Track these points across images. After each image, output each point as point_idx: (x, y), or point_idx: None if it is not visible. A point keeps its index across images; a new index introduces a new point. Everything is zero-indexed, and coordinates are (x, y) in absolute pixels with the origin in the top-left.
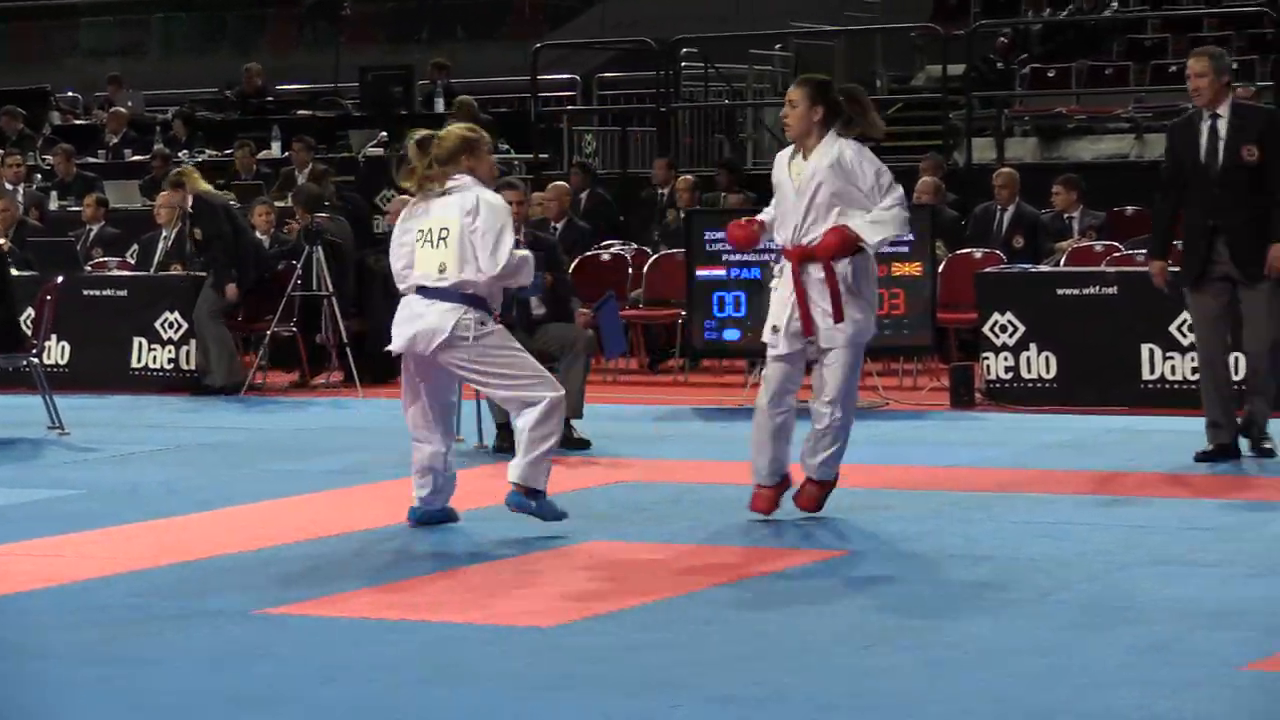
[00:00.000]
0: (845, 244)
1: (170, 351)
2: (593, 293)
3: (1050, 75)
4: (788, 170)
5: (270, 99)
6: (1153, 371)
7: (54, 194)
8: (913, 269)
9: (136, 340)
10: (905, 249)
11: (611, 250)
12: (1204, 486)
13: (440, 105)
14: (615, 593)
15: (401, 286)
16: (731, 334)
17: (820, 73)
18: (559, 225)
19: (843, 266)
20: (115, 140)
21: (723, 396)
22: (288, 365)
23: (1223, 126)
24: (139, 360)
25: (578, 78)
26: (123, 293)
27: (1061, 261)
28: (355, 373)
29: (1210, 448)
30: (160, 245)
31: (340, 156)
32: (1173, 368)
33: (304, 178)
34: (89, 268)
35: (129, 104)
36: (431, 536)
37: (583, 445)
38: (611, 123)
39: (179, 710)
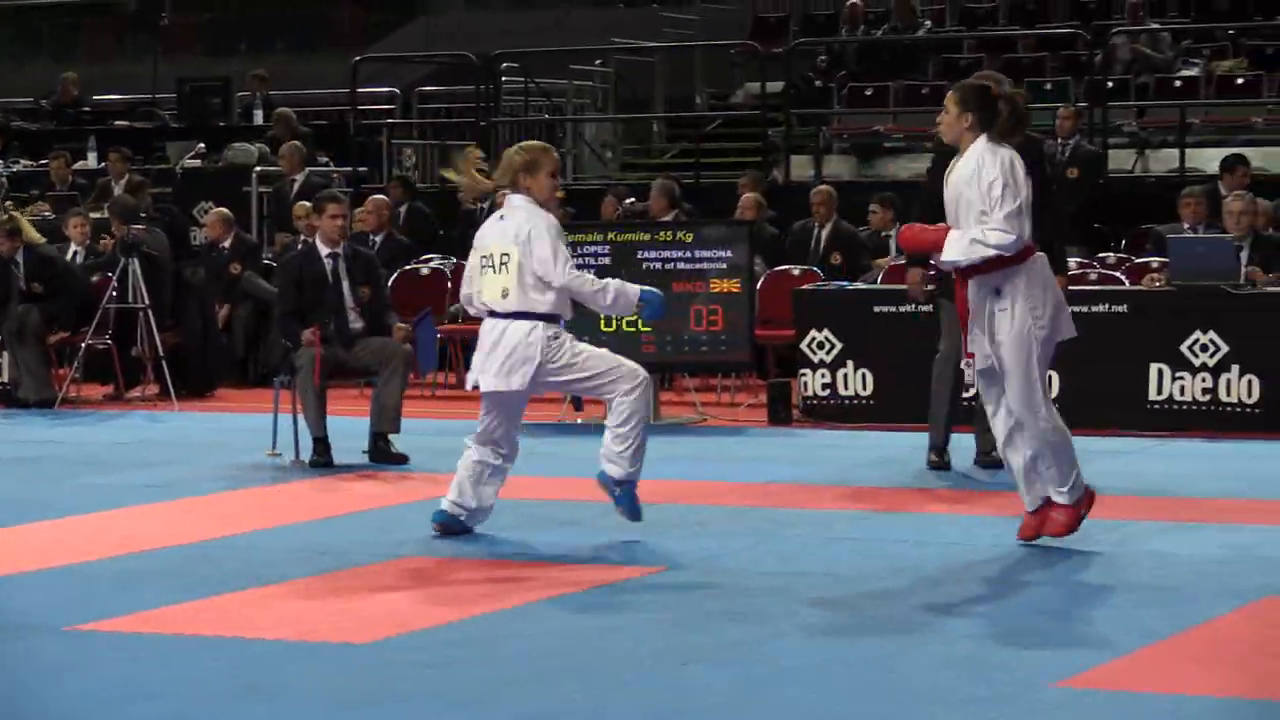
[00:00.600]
0: (928, 245)
1: None
2: (412, 307)
3: (868, 94)
4: (945, 180)
5: (87, 109)
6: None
7: None
8: (731, 286)
9: None
10: (724, 265)
11: (431, 265)
12: (1016, 504)
13: (259, 117)
14: (431, 608)
15: (470, 311)
16: None
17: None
18: (378, 239)
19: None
20: None
21: (542, 412)
22: (103, 378)
23: None
24: None
25: (398, 91)
26: None
27: (879, 279)
28: (171, 386)
29: (936, 459)
30: None
31: (158, 168)
32: None
33: (120, 189)
34: None
35: None
36: (245, 552)
37: (400, 460)
38: (431, 136)
39: None
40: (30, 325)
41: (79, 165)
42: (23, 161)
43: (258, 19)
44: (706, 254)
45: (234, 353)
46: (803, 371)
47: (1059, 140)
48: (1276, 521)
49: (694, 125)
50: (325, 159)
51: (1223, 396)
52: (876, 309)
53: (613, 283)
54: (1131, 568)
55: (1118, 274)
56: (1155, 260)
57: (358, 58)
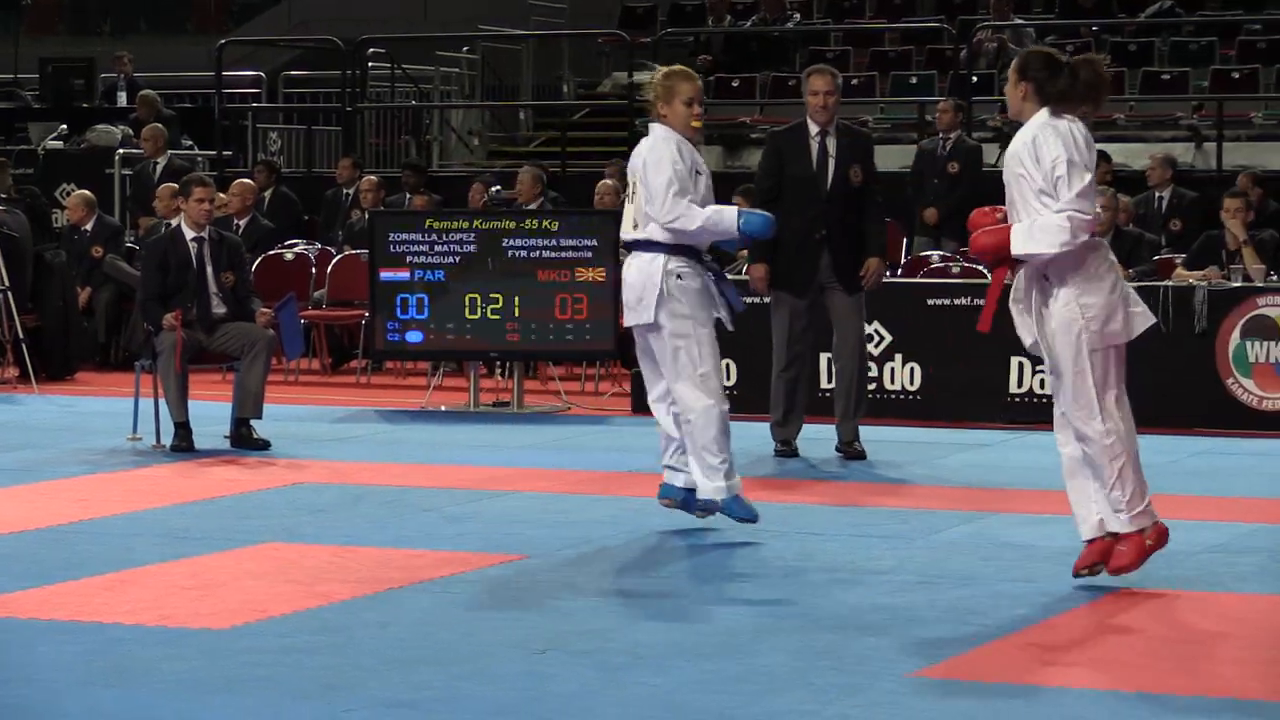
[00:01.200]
0: (998, 249)
1: None
2: (276, 292)
3: (734, 85)
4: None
5: None
6: (830, 380)
7: None
8: (596, 274)
9: None
10: (589, 254)
11: (295, 250)
12: (878, 494)
13: (123, 99)
14: (292, 595)
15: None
16: (414, 336)
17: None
18: (242, 223)
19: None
20: None
21: (404, 399)
22: None
23: (832, 145)
24: None
25: (263, 75)
26: None
27: (744, 270)
28: (30, 369)
29: (783, 445)
30: None
31: (19, 149)
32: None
33: None
34: None
35: None
36: (103, 537)
37: (262, 446)
38: (297, 121)
39: None
40: None
41: None
42: None
43: (122, 0)
44: (572, 243)
45: (95, 336)
46: None
47: (940, 134)
48: None
49: (561, 114)
50: (189, 142)
51: None
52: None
53: (707, 215)
54: (991, 559)
55: (981, 267)
56: None
57: (223, 41)
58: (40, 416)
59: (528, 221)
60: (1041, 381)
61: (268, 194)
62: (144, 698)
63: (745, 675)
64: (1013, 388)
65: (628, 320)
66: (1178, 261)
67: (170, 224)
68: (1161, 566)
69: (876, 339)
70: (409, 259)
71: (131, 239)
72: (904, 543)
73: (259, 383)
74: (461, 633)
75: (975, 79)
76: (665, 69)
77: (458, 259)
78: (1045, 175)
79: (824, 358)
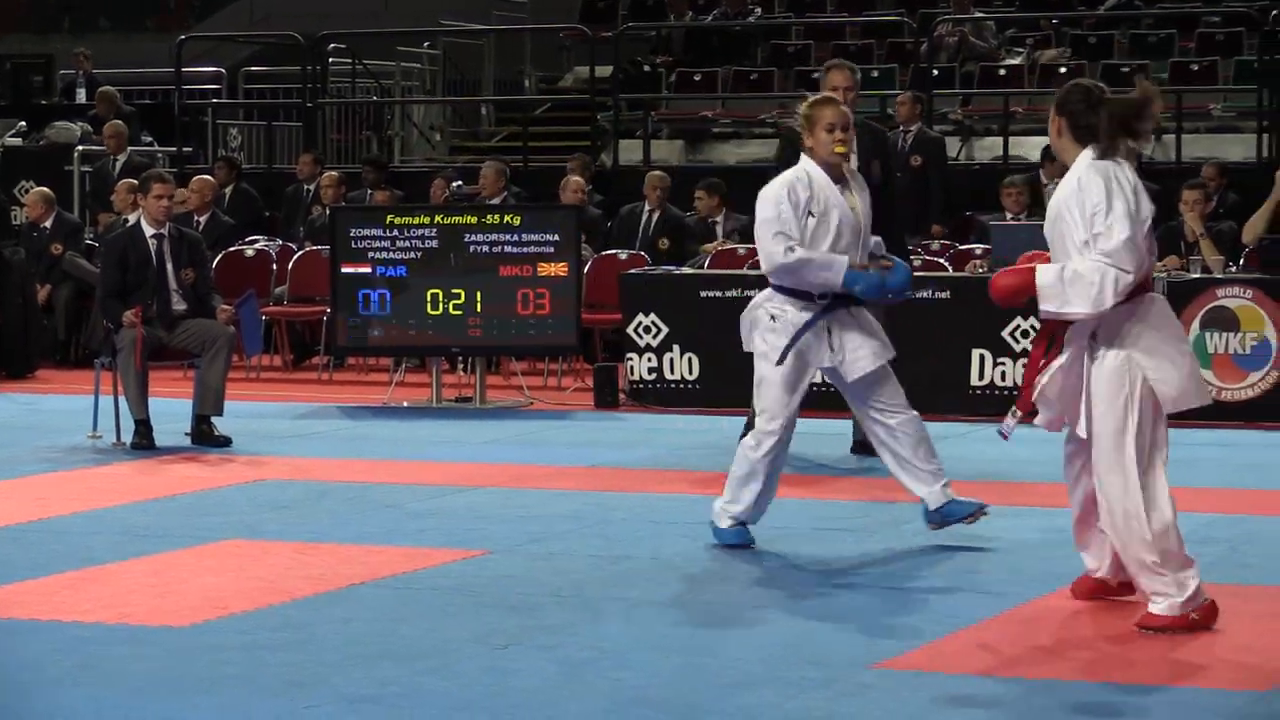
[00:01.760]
0: (1018, 291)
1: None
2: (237, 288)
3: (697, 79)
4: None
5: None
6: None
7: None
8: (558, 269)
9: None
10: (551, 249)
11: (256, 246)
12: (841, 487)
13: (82, 96)
14: (255, 592)
15: None
16: (376, 331)
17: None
18: (202, 219)
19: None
20: None
21: (366, 395)
22: None
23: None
24: None
25: (223, 71)
26: None
27: (706, 264)
28: None
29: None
30: None
31: None
32: None
33: None
34: None
35: None
36: (64, 535)
37: (223, 443)
38: (257, 117)
39: None
40: None
41: None
42: None
43: None
44: (534, 238)
45: (54, 333)
46: (629, 355)
47: (901, 128)
48: None
49: (523, 108)
50: (149, 139)
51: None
52: (703, 294)
53: (796, 260)
54: (954, 552)
55: (941, 260)
56: (979, 247)
57: (183, 37)
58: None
59: (489, 217)
60: (1003, 374)
61: (228, 190)
62: (107, 696)
63: (710, 670)
64: (974, 380)
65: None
66: None
67: (129, 220)
68: None
69: None
70: (370, 255)
71: (91, 236)
72: (867, 535)
73: (220, 379)
74: (424, 628)
75: (936, 72)
76: (812, 97)
77: (419, 254)
78: (1087, 224)
79: None
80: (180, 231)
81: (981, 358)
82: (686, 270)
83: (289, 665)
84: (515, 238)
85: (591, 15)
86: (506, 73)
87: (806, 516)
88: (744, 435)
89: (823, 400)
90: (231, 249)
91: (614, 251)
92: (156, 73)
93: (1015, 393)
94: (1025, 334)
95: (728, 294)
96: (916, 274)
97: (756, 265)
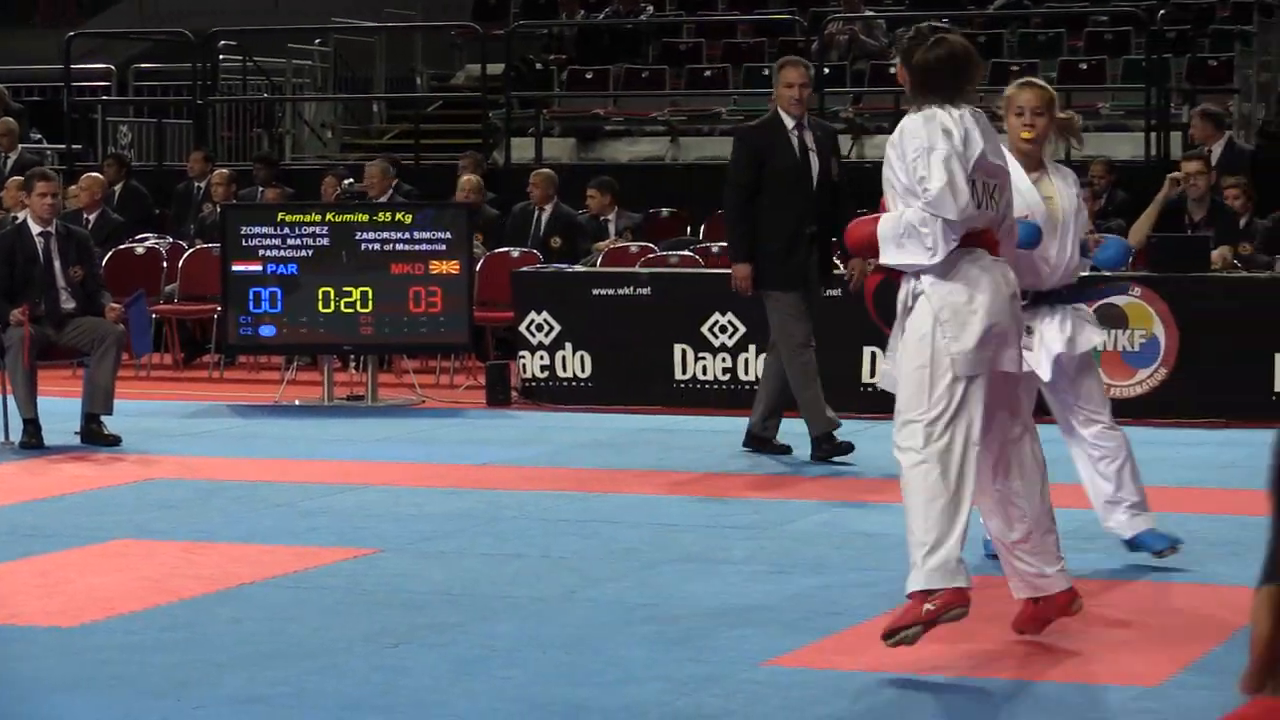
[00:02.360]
0: (867, 240)
1: None
2: (127, 286)
3: (588, 77)
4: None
5: None
6: (684, 371)
7: None
8: (451, 267)
9: None
10: (443, 247)
11: (146, 244)
12: (731, 485)
13: None
14: (141, 592)
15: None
16: (267, 330)
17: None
18: (92, 217)
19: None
20: None
21: (257, 393)
22: None
23: (809, 138)
24: None
25: (113, 68)
26: None
27: (598, 262)
28: None
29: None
30: None
31: None
32: (704, 368)
33: None
34: None
35: None
36: None
37: (113, 442)
38: (148, 114)
39: None
40: None
41: None
42: None
43: None
44: (425, 235)
45: None
46: (521, 354)
47: None
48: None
49: (414, 106)
50: (39, 136)
51: None
52: (595, 292)
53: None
54: (843, 548)
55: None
56: None
57: (71, 33)
58: None
59: (381, 214)
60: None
61: (118, 188)
62: None
63: (601, 667)
64: (865, 377)
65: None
66: None
67: (16, 218)
68: None
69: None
70: (261, 252)
71: None
72: (757, 532)
73: (109, 378)
74: (313, 628)
75: (827, 70)
76: (1015, 81)
77: (310, 252)
78: (908, 170)
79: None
80: (68, 229)
81: (873, 355)
82: (579, 269)
83: (177, 665)
84: (407, 236)
85: (483, 13)
86: (398, 70)
87: (698, 513)
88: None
89: (717, 398)
90: (121, 247)
91: (506, 249)
92: (45, 69)
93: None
94: None
95: (619, 292)
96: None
97: (649, 263)
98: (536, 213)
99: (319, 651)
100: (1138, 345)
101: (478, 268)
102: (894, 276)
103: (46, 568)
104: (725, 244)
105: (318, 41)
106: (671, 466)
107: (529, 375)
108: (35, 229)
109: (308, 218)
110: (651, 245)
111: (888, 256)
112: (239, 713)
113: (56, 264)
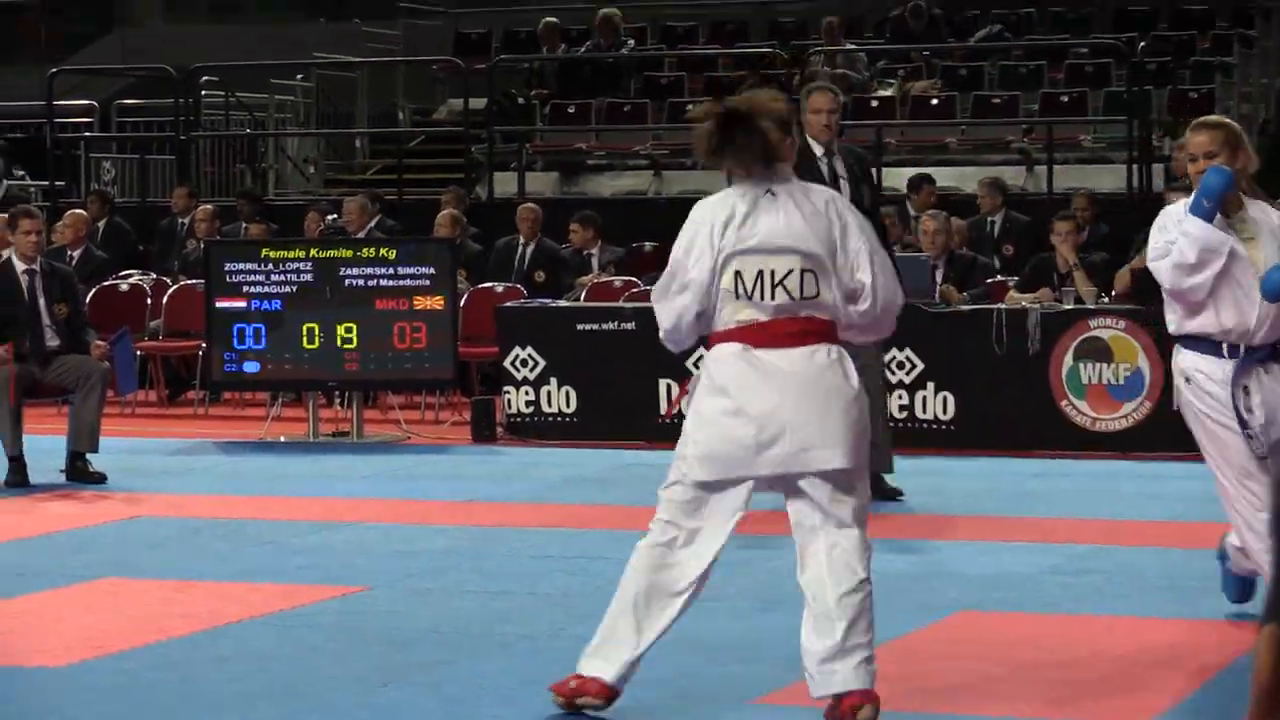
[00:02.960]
0: None
1: None
2: (111, 323)
3: (570, 111)
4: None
5: None
6: (670, 406)
7: None
8: (435, 303)
9: None
10: (427, 282)
11: (130, 280)
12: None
13: None
14: (129, 630)
15: None
16: (251, 366)
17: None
18: (76, 254)
19: None
20: None
21: (243, 430)
22: None
23: (839, 165)
24: None
25: (96, 104)
26: None
27: (582, 297)
28: None
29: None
30: None
31: None
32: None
33: None
34: None
35: None
36: None
37: (98, 479)
38: (131, 150)
39: None
40: None
41: None
42: None
43: None
44: (409, 271)
45: None
46: (506, 389)
47: None
48: (968, 537)
49: (397, 141)
50: (21, 172)
51: (919, 413)
52: (579, 327)
53: None
54: None
55: None
56: None
57: (54, 70)
58: None
59: (365, 250)
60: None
61: (101, 224)
62: None
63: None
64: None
65: None
66: (1010, 285)
67: (1, 256)
68: (999, 589)
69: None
70: (245, 289)
71: None
72: (745, 568)
73: (94, 415)
74: (301, 667)
75: None
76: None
77: (295, 288)
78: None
79: None
80: (52, 266)
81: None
82: (563, 303)
83: (164, 705)
84: (391, 271)
85: (465, 47)
86: (380, 105)
87: None
88: None
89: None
90: (105, 283)
91: (490, 284)
92: (27, 106)
93: (891, 423)
94: (901, 365)
95: (604, 327)
96: None
97: (632, 298)
98: (520, 247)
99: (306, 691)
100: (1122, 379)
101: (462, 303)
102: None
103: (33, 607)
104: None
105: (300, 77)
106: (656, 502)
107: (514, 411)
108: (20, 266)
109: (292, 253)
110: (635, 279)
111: None
112: None
113: (41, 301)
